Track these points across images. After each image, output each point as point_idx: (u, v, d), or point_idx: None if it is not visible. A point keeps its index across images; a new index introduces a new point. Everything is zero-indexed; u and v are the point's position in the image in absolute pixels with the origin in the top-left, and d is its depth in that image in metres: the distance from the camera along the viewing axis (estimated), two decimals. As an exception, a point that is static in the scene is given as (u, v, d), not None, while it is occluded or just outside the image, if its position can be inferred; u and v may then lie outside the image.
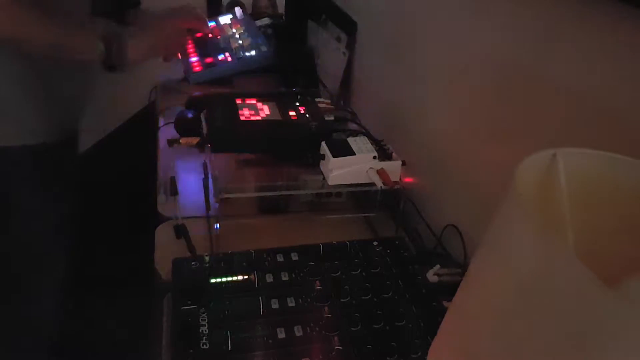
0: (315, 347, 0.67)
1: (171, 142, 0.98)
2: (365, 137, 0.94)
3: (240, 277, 0.77)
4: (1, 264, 1.07)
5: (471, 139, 0.85)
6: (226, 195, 0.89)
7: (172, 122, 1.18)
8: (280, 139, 0.97)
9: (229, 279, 0.76)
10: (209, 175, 0.93)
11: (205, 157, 0.96)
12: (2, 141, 0.99)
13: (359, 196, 1.03)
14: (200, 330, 0.67)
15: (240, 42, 1.37)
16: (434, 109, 0.97)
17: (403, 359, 0.66)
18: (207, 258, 0.79)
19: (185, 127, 1.12)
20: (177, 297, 0.73)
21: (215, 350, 0.65)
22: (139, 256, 0.94)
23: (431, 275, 0.82)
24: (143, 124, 1.53)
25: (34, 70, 0.98)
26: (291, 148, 0.98)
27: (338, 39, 1.33)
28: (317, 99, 1.05)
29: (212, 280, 0.76)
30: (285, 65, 1.37)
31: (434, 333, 0.48)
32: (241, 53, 1.34)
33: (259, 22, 1.46)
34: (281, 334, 0.68)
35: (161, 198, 1.03)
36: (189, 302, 0.71)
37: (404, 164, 0.91)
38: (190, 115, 1.13)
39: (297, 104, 1.02)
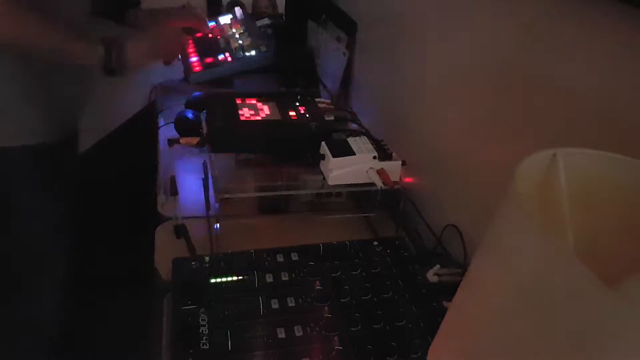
0: (315, 347, 0.67)
1: (171, 142, 0.98)
2: (365, 137, 0.94)
3: (240, 277, 0.77)
4: (1, 264, 1.08)
5: (471, 139, 0.85)
6: (226, 195, 0.89)
7: (172, 122, 1.18)
8: (280, 139, 0.97)
9: (229, 279, 0.76)
10: (209, 175, 0.93)
11: (205, 157, 0.96)
12: (2, 141, 0.99)
13: (359, 196, 1.04)
14: (200, 330, 0.67)
15: (240, 42, 1.37)
16: (434, 109, 0.97)
17: (403, 359, 0.66)
18: (207, 258, 0.79)
19: (185, 127, 1.12)
20: (177, 297, 0.73)
21: (215, 350, 0.65)
22: (139, 256, 0.94)
23: (431, 275, 0.82)
24: (143, 124, 1.53)
25: (34, 71, 0.98)
26: (291, 148, 0.98)
27: (338, 39, 1.33)
28: (317, 99, 1.05)
29: (212, 280, 0.76)
30: (285, 65, 1.37)
31: (434, 333, 0.48)
32: (241, 53, 1.34)
33: (259, 22, 1.46)
34: (281, 334, 0.68)
35: (161, 198, 1.03)
36: (189, 302, 0.71)
37: (404, 164, 0.91)
38: (190, 115, 1.13)
39: (297, 104, 1.02)
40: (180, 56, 1.30)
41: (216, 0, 1.62)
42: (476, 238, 0.72)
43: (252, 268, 0.78)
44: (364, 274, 0.80)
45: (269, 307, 0.72)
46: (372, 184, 0.89)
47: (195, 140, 0.95)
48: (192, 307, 0.71)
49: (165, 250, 0.87)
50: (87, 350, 1.40)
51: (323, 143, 0.91)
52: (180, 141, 0.96)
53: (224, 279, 0.76)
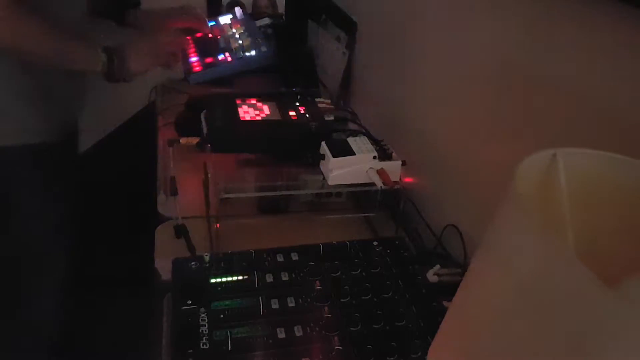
0: (315, 347, 0.67)
1: (171, 142, 0.98)
2: (365, 137, 0.94)
3: (240, 277, 0.77)
4: (1, 264, 1.07)
5: (471, 139, 0.85)
6: (226, 195, 0.89)
7: (172, 122, 1.18)
8: (280, 139, 0.97)
9: (229, 279, 0.76)
10: (209, 175, 0.93)
11: (205, 157, 0.96)
12: (2, 141, 0.99)
13: (359, 196, 1.04)
14: (200, 330, 0.67)
15: (240, 42, 1.37)
16: (434, 109, 0.97)
17: (403, 359, 0.66)
18: (207, 258, 0.79)
19: (185, 127, 1.12)
20: (177, 297, 0.73)
21: (215, 350, 0.65)
22: (139, 256, 0.94)
23: (431, 275, 0.82)
24: (143, 124, 1.53)
25: (33, 70, 0.98)
26: (291, 148, 0.98)
27: (338, 39, 1.33)
28: (317, 99, 1.05)
29: (212, 280, 0.76)
30: (285, 65, 1.37)
31: (434, 333, 0.48)
32: (241, 53, 1.34)
33: (259, 22, 1.46)
34: (281, 334, 0.68)
35: (161, 198, 1.03)
36: (189, 302, 0.71)
37: (404, 164, 0.91)
38: (190, 115, 1.13)
39: (297, 104, 1.02)
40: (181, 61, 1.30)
41: (216, 0, 1.62)
42: (476, 238, 0.72)
43: (252, 268, 0.78)
44: (364, 274, 0.80)
45: (269, 307, 0.72)
46: (372, 184, 0.89)
47: (195, 140, 0.95)
48: (192, 307, 0.71)
49: (165, 250, 0.87)
50: (87, 350, 1.40)
51: (323, 143, 0.91)
52: (180, 141, 0.96)
53: (224, 279, 0.76)
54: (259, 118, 0.97)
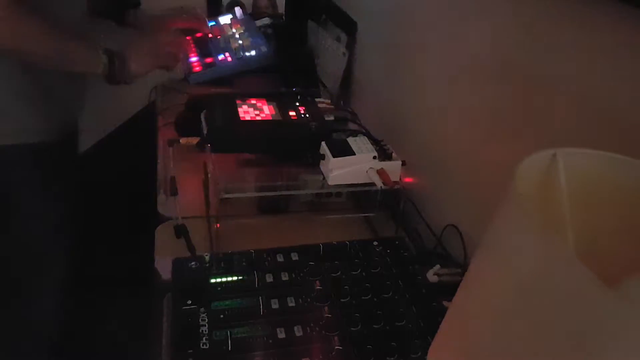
0: (315, 347, 0.67)
1: (171, 142, 0.98)
2: (365, 137, 0.94)
3: (240, 277, 0.77)
4: (1, 264, 1.07)
5: (471, 139, 0.85)
6: (226, 195, 0.89)
7: (172, 122, 1.18)
8: (280, 139, 0.97)
9: (229, 279, 0.76)
10: (209, 175, 0.93)
11: (205, 157, 0.96)
12: (1, 140, 0.99)
13: (359, 196, 1.03)
14: (200, 330, 0.67)
15: (240, 42, 1.37)
16: (434, 109, 0.97)
17: (403, 359, 0.66)
18: (207, 258, 0.79)
19: (185, 127, 1.12)
20: (177, 297, 0.73)
21: (215, 350, 0.65)
22: (139, 256, 0.94)
23: (431, 275, 0.82)
24: (143, 124, 1.53)
25: (33, 70, 0.98)
26: (291, 148, 0.98)
27: (338, 39, 1.33)
28: (317, 99, 1.05)
29: (212, 280, 0.76)
30: (285, 65, 1.37)
31: (434, 333, 0.48)
32: (241, 53, 1.34)
33: (259, 22, 1.46)
34: (281, 334, 0.68)
35: (161, 198, 1.03)
36: (189, 302, 0.71)
37: (404, 164, 0.91)
38: (190, 115, 1.13)
39: (297, 104, 1.02)
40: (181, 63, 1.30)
41: (216, 0, 1.62)
42: (476, 238, 0.72)
43: (252, 268, 0.78)
44: (364, 274, 0.80)
45: (269, 307, 0.72)
46: (372, 184, 0.89)
47: (195, 140, 0.95)
48: (192, 307, 0.71)
49: (165, 250, 0.87)
50: (87, 350, 1.39)
51: (323, 143, 0.91)
52: (180, 141, 0.96)
53: (224, 279, 0.76)
54: (259, 118, 0.97)
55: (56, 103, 1.06)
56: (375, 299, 0.75)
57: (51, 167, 1.08)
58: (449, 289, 0.68)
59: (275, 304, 0.72)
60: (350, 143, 0.91)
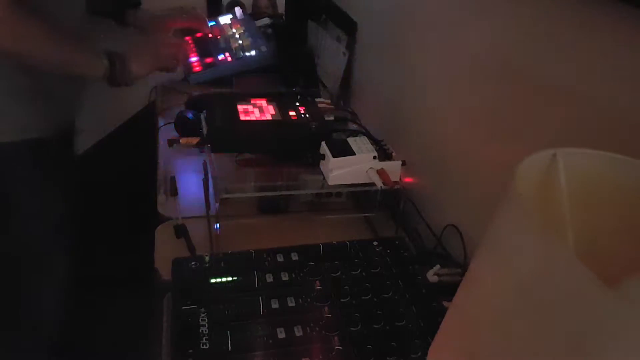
0: (315, 347, 0.67)
1: (171, 142, 0.98)
2: (365, 137, 0.94)
3: (240, 277, 0.77)
4: (1, 264, 1.07)
5: (471, 139, 0.85)
6: (226, 195, 0.89)
7: (172, 122, 1.18)
8: (280, 139, 0.97)
9: (229, 279, 0.76)
10: (209, 175, 0.93)
11: (205, 157, 0.96)
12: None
13: (359, 196, 1.04)
14: (200, 330, 0.67)
15: (240, 42, 1.37)
16: (434, 109, 0.97)
17: (403, 359, 0.66)
18: (207, 258, 0.79)
19: (185, 127, 1.12)
20: (177, 297, 0.73)
21: (215, 350, 0.65)
22: (139, 256, 0.94)
23: (431, 275, 0.82)
24: (143, 124, 1.53)
25: (32, 70, 0.97)
26: (291, 148, 0.98)
27: (338, 39, 1.33)
28: (317, 99, 1.05)
29: (212, 280, 0.76)
30: (285, 65, 1.37)
31: (434, 333, 0.48)
32: (241, 53, 1.34)
33: (259, 22, 1.46)
34: (281, 334, 0.68)
35: (161, 198, 1.03)
36: (189, 302, 0.71)
37: (404, 164, 0.91)
38: (190, 115, 1.13)
39: (297, 104, 1.02)
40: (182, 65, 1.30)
41: (216, 0, 1.62)
42: (476, 238, 0.72)
43: (252, 268, 0.78)
44: (364, 274, 0.80)
45: (269, 307, 0.72)
46: (372, 184, 0.89)
47: (195, 140, 0.95)
48: (192, 307, 0.71)
49: (165, 250, 0.87)
50: (87, 350, 1.40)
51: (323, 143, 0.91)
52: (180, 141, 0.96)
53: (224, 279, 0.76)
54: (258, 118, 0.97)
55: (55, 102, 1.06)
56: (375, 299, 0.75)
57: (50, 165, 1.08)
58: (449, 289, 0.68)
59: (275, 304, 0.72)
60: (350, 143, 0.91)
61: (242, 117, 0.96)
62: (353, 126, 1.09)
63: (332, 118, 1.02)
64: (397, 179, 0.91)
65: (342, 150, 0.89)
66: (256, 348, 0.66)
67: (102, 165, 1.56)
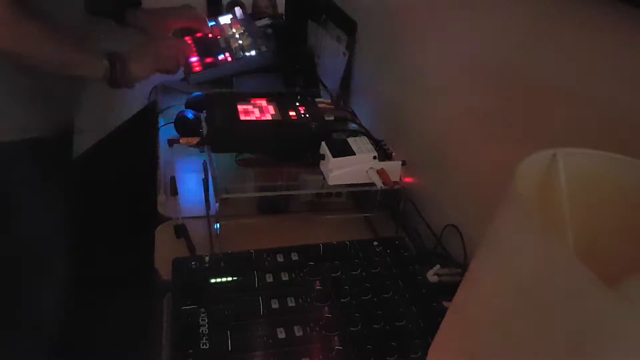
0: (315, 347, 0.67)
1: (171, 142, 0.98)
2: (365, 137, 0.94)
3: (240, 277, 0.77)
4: (1, 264, 1.07)
5: (471, 139, 0.85)
6: (226, 195, 0.89)
7: (172, 122, 1.18)
8: (280, 139, 0.97)
9: (229, 279, 0.76)
10: (209, 175, 0.93)
11: (205, 157, 0.96)
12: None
13: (359, 196, 1.04)
14: (200, 330, 0.67)
15: (240, 42, 1.37)
16: (434, 109, 0.97)
17: (403, 359, 0.66)
18: (207, 258, 0.79)
19: (185, 127, 1.12)
20: (177, 297, 0.73)
21: (215, 350, 0.65)
22: (139, 256, 0.94)
23: (431, 275, 0.82)
24: (143, 124, 1.53)
25: (32, 70, 0.97)
26: (291, 148, 0.98)
27: (338, 39, 1.32)
28: (317, 99, 1.05)
29: (212, 280, 0.76)
30: (285, 65, 1.37)
31: (434, 333, 0.48)
32: (241, 53, 1.34)
33: (259, 22, 1.46)
34: (281, 334, 0.68)
35: (161, 198, 1.03)
36: (189, 302, 0.71)
37: (404, 164, 0.91)
38: (190, 115, 1.14)
39: (297, 104, 1.02)
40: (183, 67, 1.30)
41: (216, 0, 1.62)
42: (476, 238, 0.72)
43: (252, 268, 0.78)
44: (364, 274, 0.80)
45: (269, 307, 0.72)
46: (372, 184, 0.89)
47: (195, 140, 0.95)
48: (192, 307, 0.71)
49: (165, 250, 0.87)
50: (87, 350, 1.40)
51: (323, 143, 0.91)
52: (180, 141, 0.96)
53: (224, 279, 0.76)
54: (258, 118, 0.97)
55: (55, 102, 1.06)
56: (375, 299, 0.75)
57: (50, 164, 1.08)
58: (449, 289, 0.68)
59: (275, 304, 0.72)
60: (350, 143, 0.91)
61: (242, 117, 0.96)
62: (353, 126, 1.09)
63: (332, 118, 1.02)
64: (397, 179, 0.91)
65: (342, 150, 0.90)
66: (256, 348, 0.66)
67: (102, 165, 1.56)
